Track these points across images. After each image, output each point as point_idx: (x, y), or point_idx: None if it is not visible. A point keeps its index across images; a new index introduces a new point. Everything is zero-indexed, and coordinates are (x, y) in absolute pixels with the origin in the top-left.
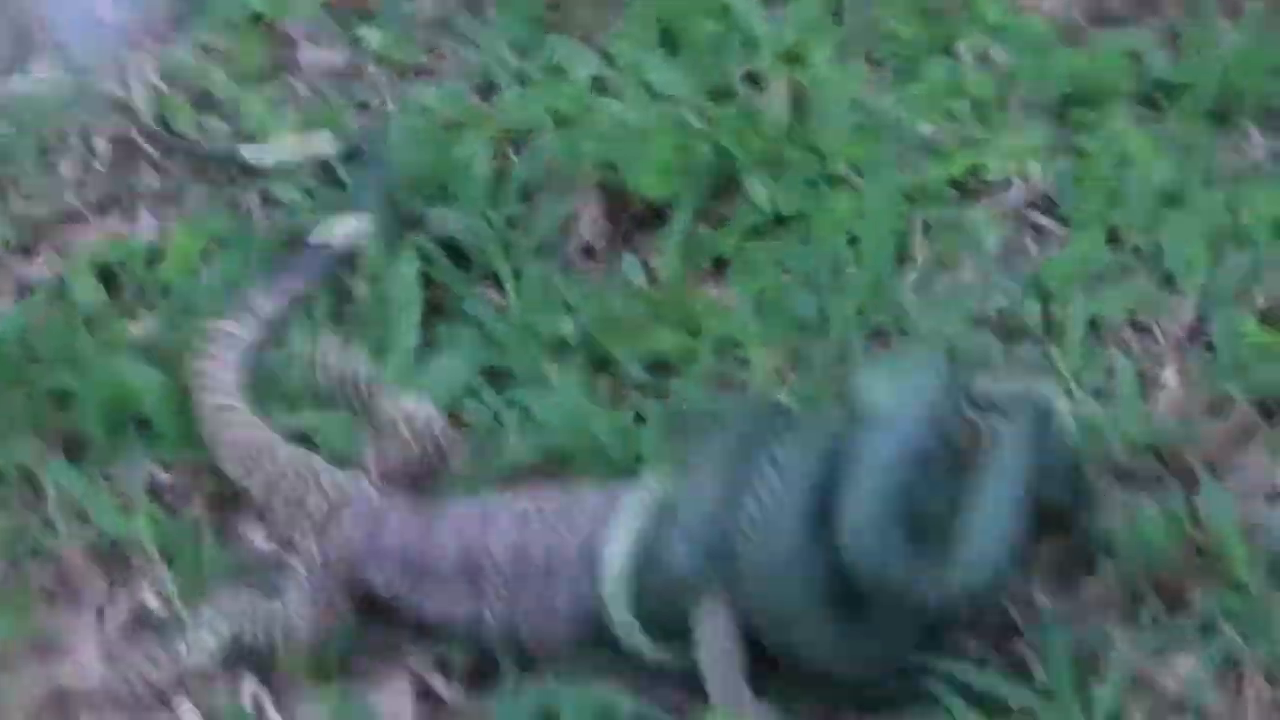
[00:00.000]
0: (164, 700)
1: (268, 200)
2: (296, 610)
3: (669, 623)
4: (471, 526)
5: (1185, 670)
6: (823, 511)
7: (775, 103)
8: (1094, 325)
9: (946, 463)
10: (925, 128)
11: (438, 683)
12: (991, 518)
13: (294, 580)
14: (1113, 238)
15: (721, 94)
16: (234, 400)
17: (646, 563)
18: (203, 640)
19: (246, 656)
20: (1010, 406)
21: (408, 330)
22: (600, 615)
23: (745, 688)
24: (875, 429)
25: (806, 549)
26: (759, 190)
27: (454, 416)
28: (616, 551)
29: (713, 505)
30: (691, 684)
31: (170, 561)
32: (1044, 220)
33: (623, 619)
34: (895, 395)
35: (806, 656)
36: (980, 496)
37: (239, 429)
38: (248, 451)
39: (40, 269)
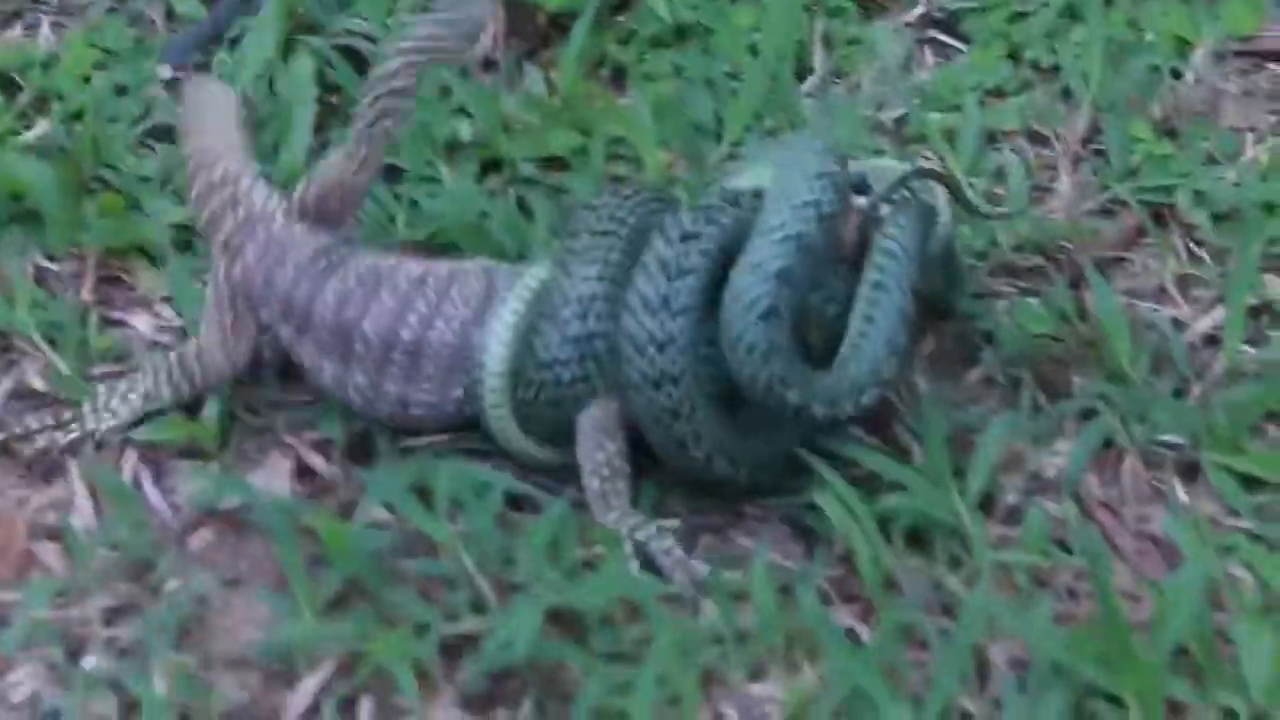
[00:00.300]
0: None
1: (170, 15)
2: (209, 339)
3: (549, 423)
4: (356, 295)
5: (1063, 453)
6: (707, 307)
7: None
8: (991, 137)
9: (831, 254)
10: None
11: (316, 461)
12: (879, 327)
13: (207, 305)
14: (1013, 55)
15: None
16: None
17: (525, 360)
18: (114, 407)
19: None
20: (892, 194)
21: (301, 128)
22: (478, 410)
23: (624, 495)
24: (761, 217)
25: (689, 348)
26: (659, 1)
27: None
28: (496, 347)
29: (593, 300)
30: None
31: (54, 345)
32: (944, 38)
33: (500, 418)
34: (779, 181)
35: (688, 458)
36: (868, 301)
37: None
38: (202, 160)
39: None
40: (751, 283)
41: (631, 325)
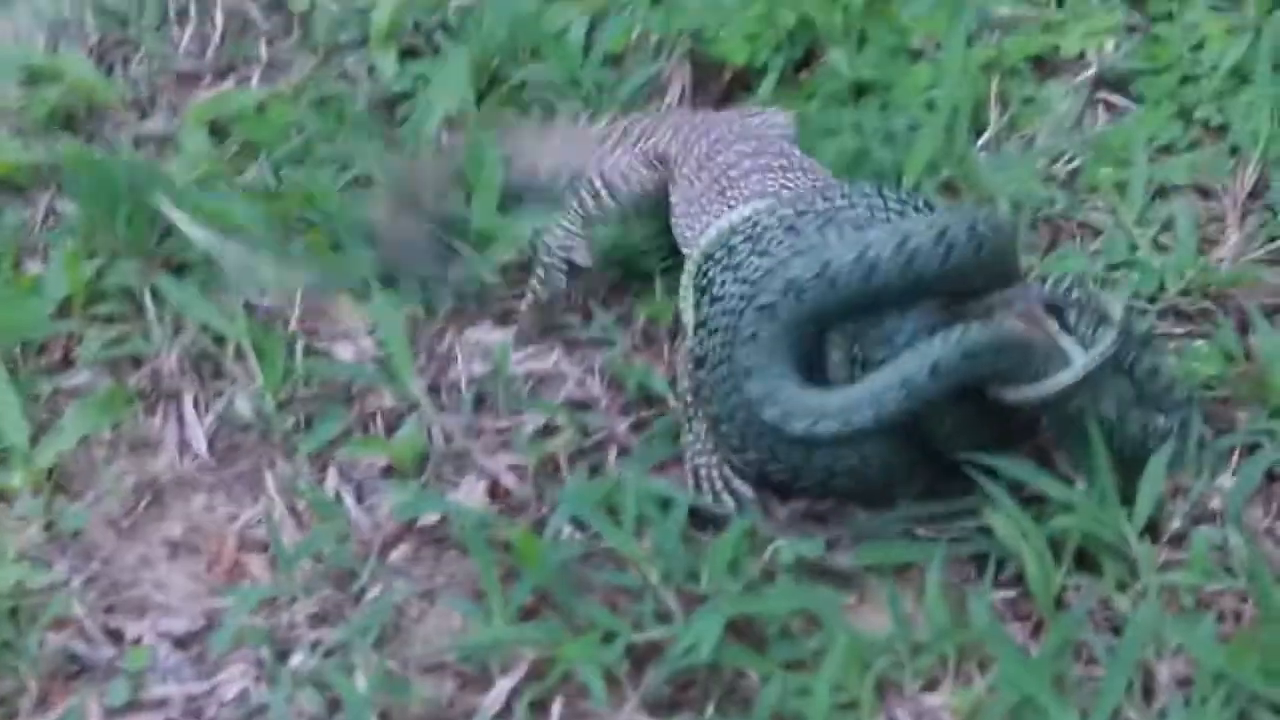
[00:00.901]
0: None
1: (371, 70)
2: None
3: None
4: None
5: (1228, 485)
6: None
7: None
8: (1161, 192)
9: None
10: (1005, 9)
11: (509, 480)
12: (905, 363)
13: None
14: (1183, 115)
15: None
16: None
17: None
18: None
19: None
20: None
21: (494, 163)
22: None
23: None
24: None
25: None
26: (840, 59)
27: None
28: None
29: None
30: None
31: (262, 368)
32: (1116, 98)
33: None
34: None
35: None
36: (899, 358)
37: None
38: None
39: (156, 124)
40: (768, 282)
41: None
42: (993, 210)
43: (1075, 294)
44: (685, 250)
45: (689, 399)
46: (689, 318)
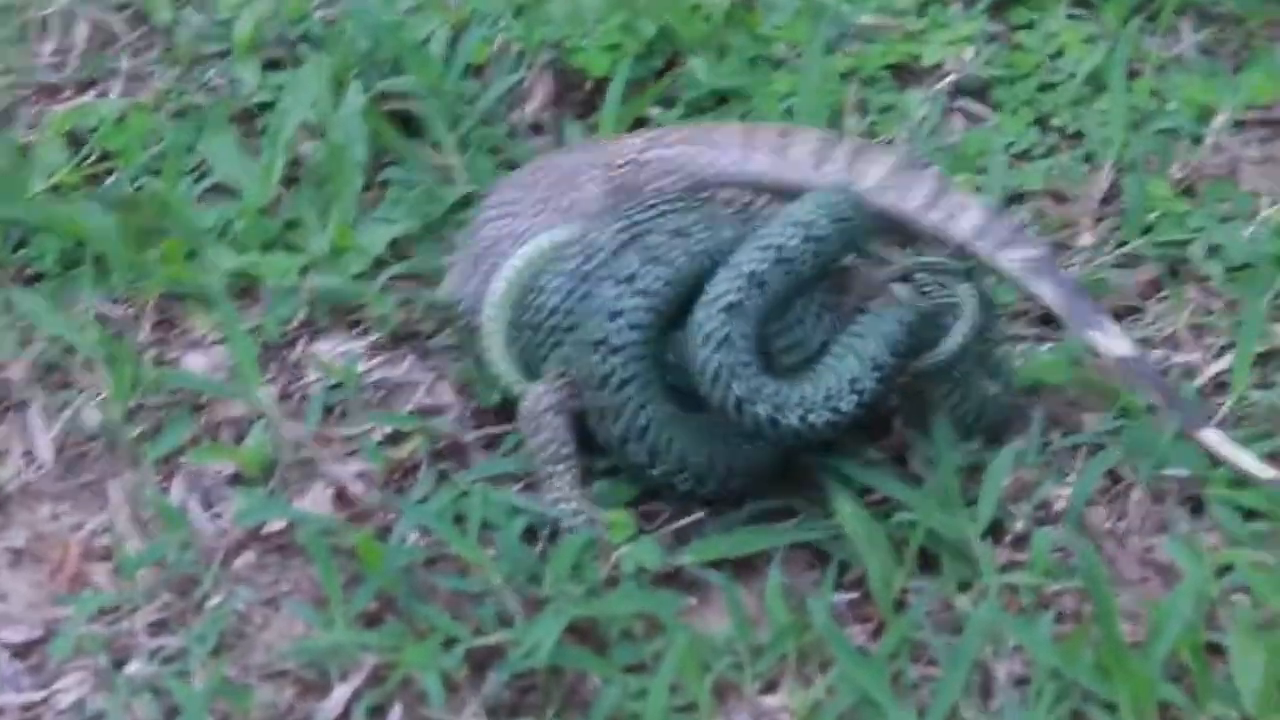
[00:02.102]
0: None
1: (233, 81)
2: None
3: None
4: None
5: (1072, 485)
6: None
7: None
8: (1017, 198)
9: (830, 291)
10: (866, 18)
11: (356, 489)
12: (866, 343)
13: None
14: (1040, 122)
15: None
16: None
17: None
18: None
19: None
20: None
21: (352, 176)
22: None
23: (566, 479)
24: (755, 231)
25: (653, 344)
26: (700, 67)
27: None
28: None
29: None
30: None
31: (110, 378)
32: (975, 106)
33: (491, 346)
34: (789, 208)
35: (632, 455)
36: (863, 322)
37: None
38: None
39: (16, 135)
40: (723, 279)
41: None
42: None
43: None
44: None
45: (552, 449)
46: (498, 357)
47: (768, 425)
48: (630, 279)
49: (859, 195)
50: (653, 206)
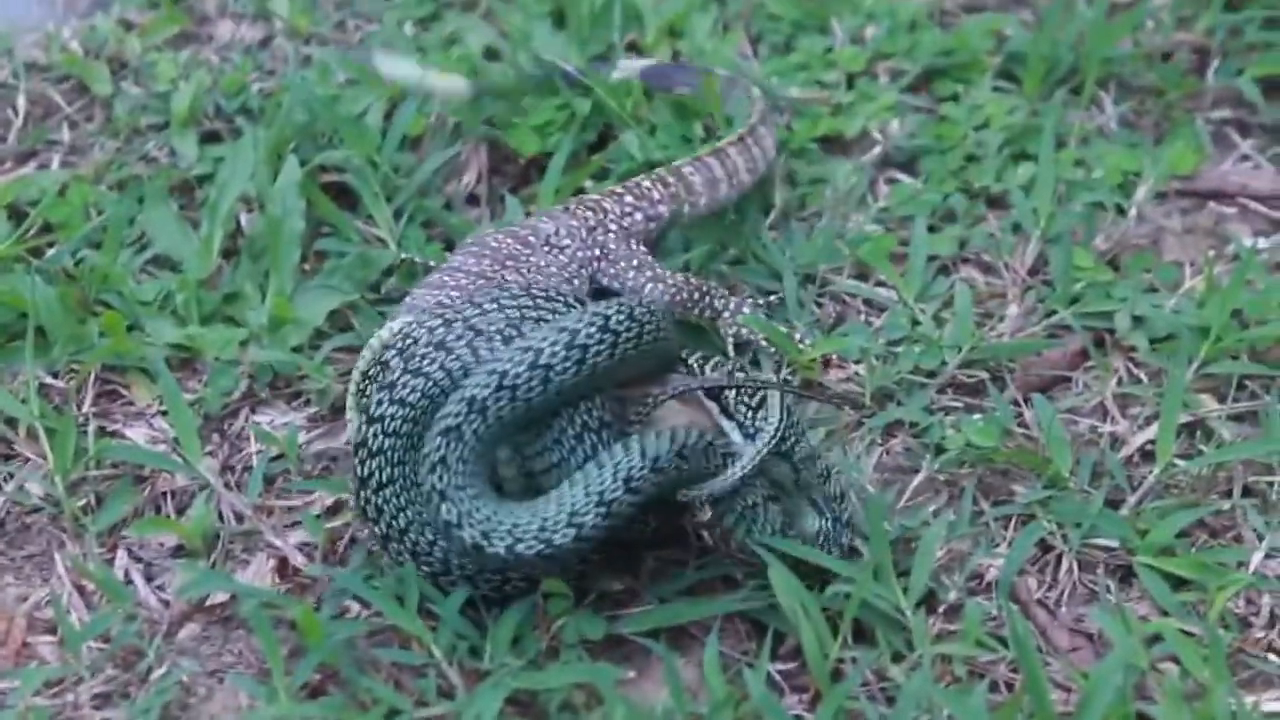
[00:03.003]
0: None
1: (173, 153)
2: None
3: None
4: None
5: (1003, 555)
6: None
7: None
8: (944, 268)
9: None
10: (794, 91)
11: (299, 560)
12: (595, 478)
13: None
14: (966, 192)
15: (605, 60)
16: None
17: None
18: None
19: None
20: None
21: (290, 247)
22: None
23: None
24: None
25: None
26: (633, 142)
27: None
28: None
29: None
30: None
31: (53, 450)
32: (902, 176)
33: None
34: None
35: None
36: (589, 469)
37: None
38: None
39: None
40: (450, 401)
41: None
42: (645, 298)
43: (734, 376)
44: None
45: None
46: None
47: (472, 551)
48: (390, 386)
49: (641, 312)
50: (483, 303)
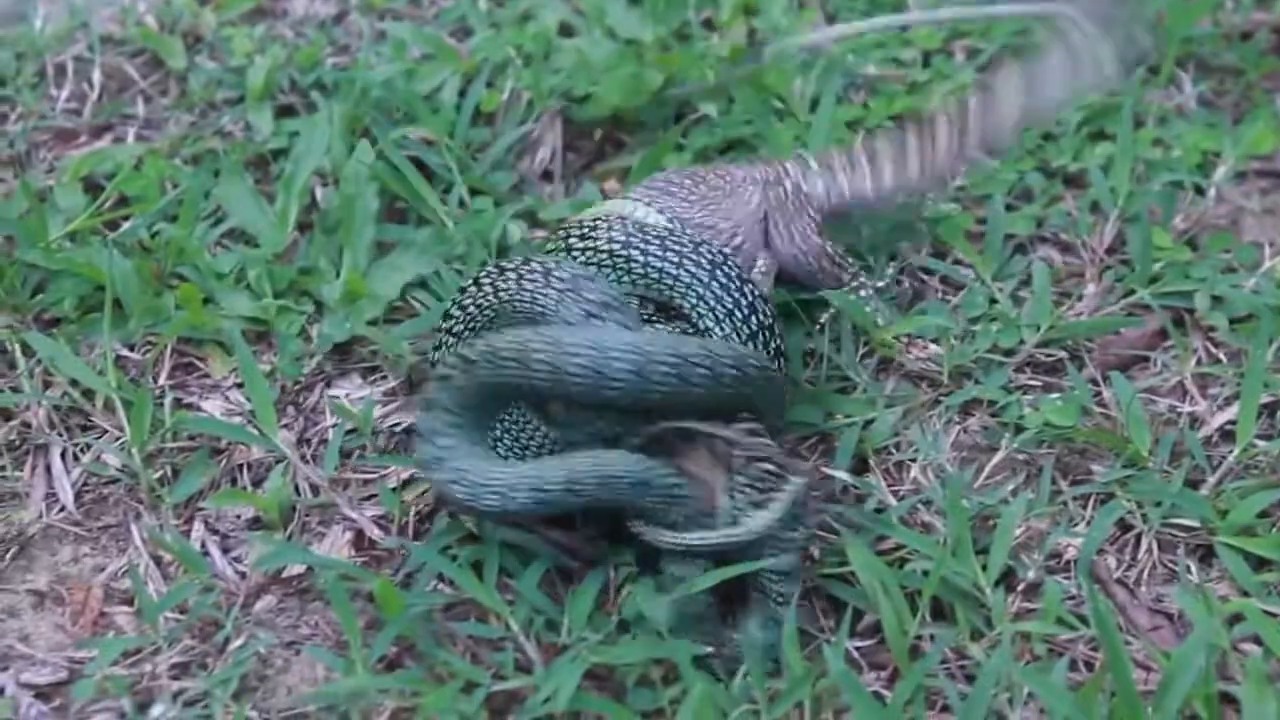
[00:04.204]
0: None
1: (249, 128)
2: None
3: None
4: None
5: (1082, 534)
6: None
7: (730, 41)
8: (1021, 247)
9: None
10: (871, 69)
11: (375, 533)
12: (564, 468)
13: None
14: (1043, 170)
15: (680, 37)
16: None
17: None
18: None
19: None
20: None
21: (364, 223)
22: None
23: None
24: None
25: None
26: (712, 114)
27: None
28: None
29: None
30: None
31: (129, 422)
32: (979, 155)
33: None
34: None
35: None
36: (578, 457)
37: None
38: None
39: (34, 179)
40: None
41: None
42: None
43: (765, 461)
44: None
45: None
46: None
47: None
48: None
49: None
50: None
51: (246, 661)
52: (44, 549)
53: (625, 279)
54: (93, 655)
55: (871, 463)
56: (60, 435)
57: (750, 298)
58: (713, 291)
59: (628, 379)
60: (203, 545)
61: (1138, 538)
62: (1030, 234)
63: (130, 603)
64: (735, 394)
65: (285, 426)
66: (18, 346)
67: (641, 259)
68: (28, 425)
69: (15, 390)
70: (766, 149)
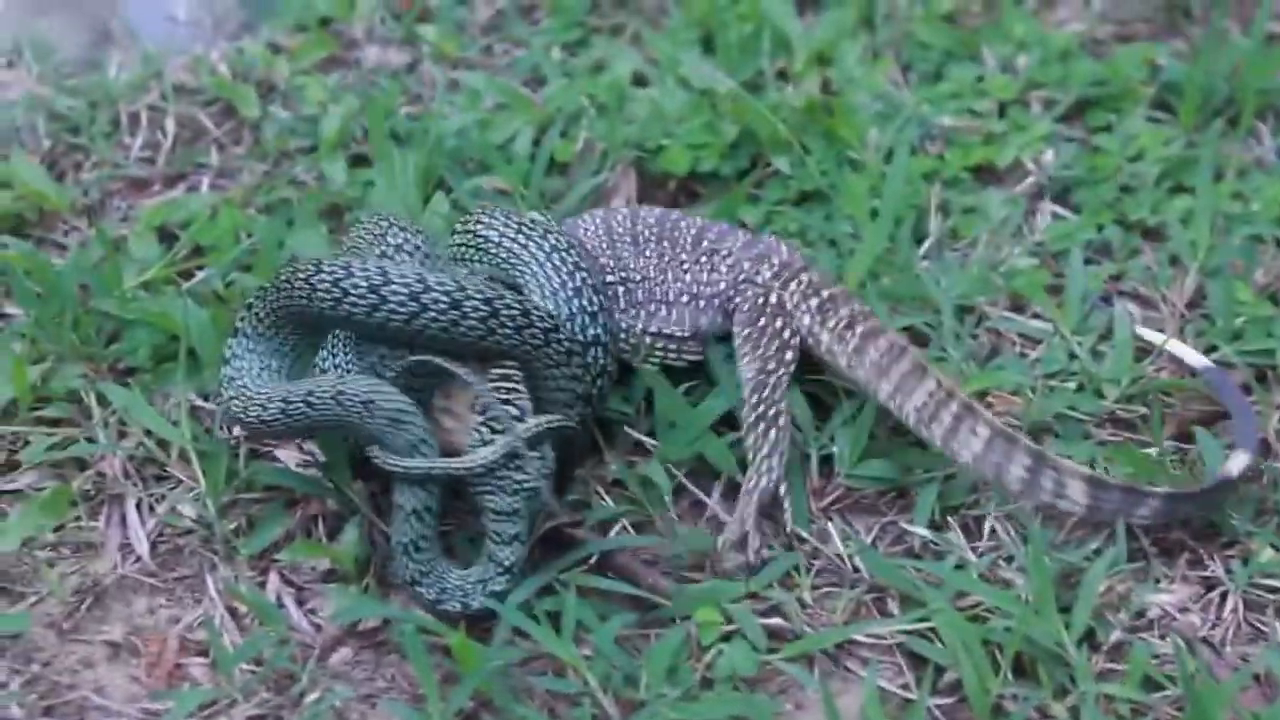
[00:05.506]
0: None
1: (320, 176)
2: None
3: None
4: None
5: (1169, 594)
6: None
7: (804, 92)
8: (1102, 300)
9: None
10: (946, 120)
11: None
12: (313, 384)
13: None
14: (1122, 224)
15: (753, 88)
16: None
17: None
18: None
19: None
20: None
21: None
22: None
23: None
24: None
25: None
26: (784, 168)
27: None
28: None
29: None
30: None
31: (205, 473)
32: (1056, 207)
33: None
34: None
35: None
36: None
37: None
38: None
39: (108, 228)
40: None
41: None
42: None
43: (511, 409)
44: None
45: None
46: None
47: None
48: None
49: None
50: None
51: (323, 715)
52: (119, 600)
53: (483, 258)
54: (168, 707)
55: (951, 520)
56: (135, 485)
57: (579, 282)
58: (545, 270)
59: (405, 305)
60: (278, 597)
61: (1223, 595)
62: (1110, 288)
63: (205, 654)
64: (515, 345)
65: (359, 478)
66: (93, 396)
67: (496, 239)
68: (103, 475)
69: (90, 440)
70: (840, 200)
